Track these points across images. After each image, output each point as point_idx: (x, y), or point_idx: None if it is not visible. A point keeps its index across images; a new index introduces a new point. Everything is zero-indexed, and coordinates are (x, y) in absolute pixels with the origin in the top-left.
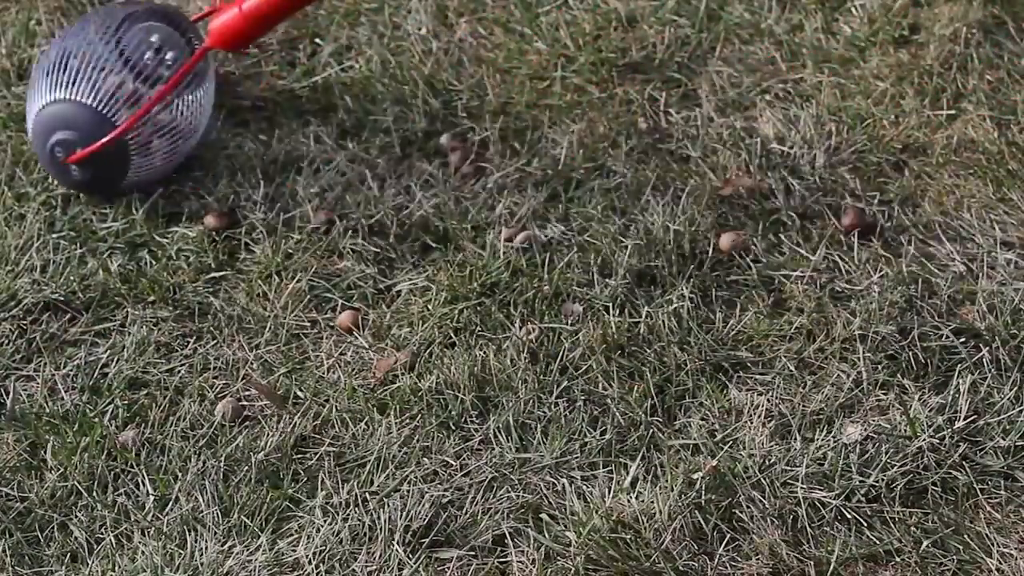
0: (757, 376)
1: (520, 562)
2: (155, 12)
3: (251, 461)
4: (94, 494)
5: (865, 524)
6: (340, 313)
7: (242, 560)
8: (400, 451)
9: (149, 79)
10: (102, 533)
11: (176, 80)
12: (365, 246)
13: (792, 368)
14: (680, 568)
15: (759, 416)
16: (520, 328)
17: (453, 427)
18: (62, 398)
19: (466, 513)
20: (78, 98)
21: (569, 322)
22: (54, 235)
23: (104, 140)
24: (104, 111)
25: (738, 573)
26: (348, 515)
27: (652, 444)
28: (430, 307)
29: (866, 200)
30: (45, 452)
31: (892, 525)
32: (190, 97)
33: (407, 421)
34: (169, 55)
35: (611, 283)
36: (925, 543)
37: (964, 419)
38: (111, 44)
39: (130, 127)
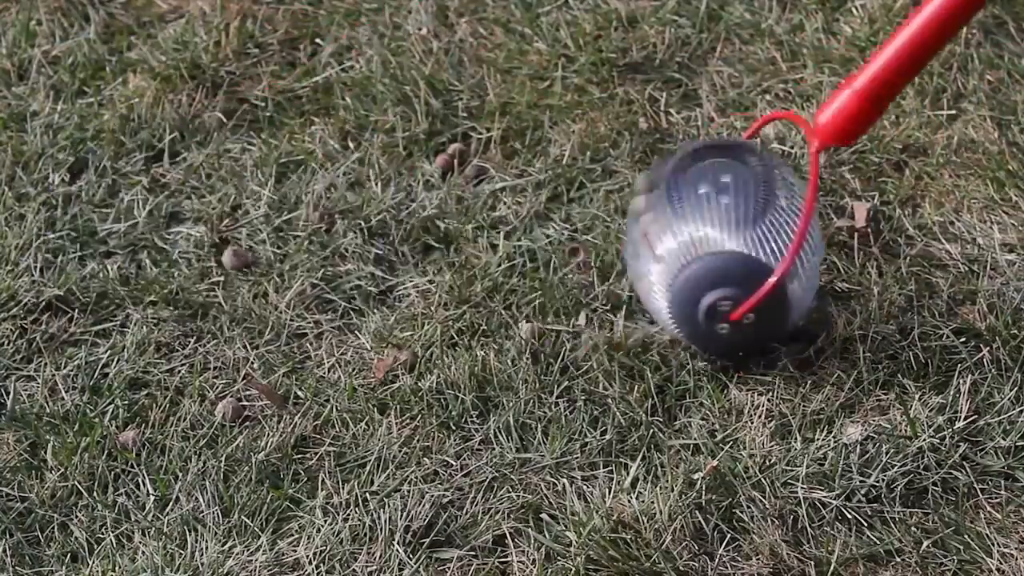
0: (757, 376)
1: (520, 562)
2: (716, 147)
3: (251, 461)
4: (94, 494)
5: (865, 524)
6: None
7: (242, 560)
8: (400, 451)
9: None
10: (102, 533)
11: (810, 204)
12: (366, 247)
13: (792, 368)
14: (680, 568)
15: (759, 416)
16: (522, 328)
17: (453, 427)
18: (62, 398)
19: (466, 513)
20: (727, 247)
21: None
22: (54, 235)
23: (769, 284)
24: (757, 256)
25: (738, 573)
26: (348, 515)
27: (652, 444)
28: (431, 308)
29: (866, 200)
30: (45, 452)
31: (892, 525)
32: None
33: (407, 421)
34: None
35: (611, 283)
36: (925, 543)
37: (964, 419)
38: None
39: (789, 266)
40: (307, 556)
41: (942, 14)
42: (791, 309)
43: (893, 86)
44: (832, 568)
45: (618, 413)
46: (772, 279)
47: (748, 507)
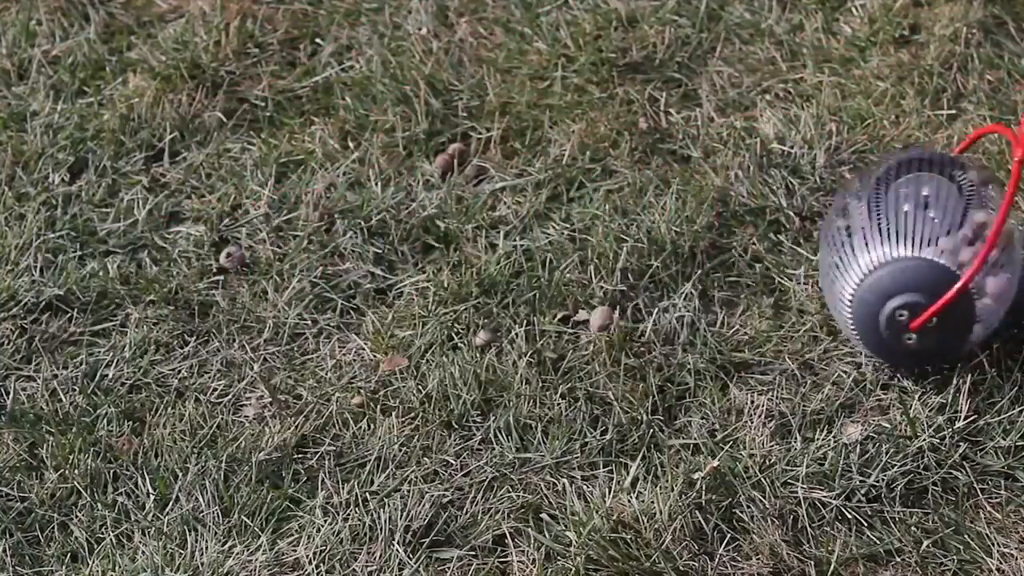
0: (758, 376)
1: (520, 562)
2: (917, 161)
3: (251, 461)
4: (94, 494)
5: (865, 524)
6: None
7: (242, 560)
8: (400, 451)
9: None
10: (102, 533)
11: (1005, 211)
12: (366, 246)
13: (793, 368)
14: (680, 568)
15: (759, 416)
16: (522, 327)
17: (454, 427)
18: (62, 398)
19: (466, 513)
20: (917, 254)
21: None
22: (54, 235)
23: (952, 292)
24: (944, 263)
25: (738, 573)
26: (348, 515)
27: (652, 444)
28: (430, 307)
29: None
30: (45, 452)
31: (892, 525)
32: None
33: (407, 421)
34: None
35: (612, 283)
36: (925, 543)
37: (964, 419)
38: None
39: (976, 272)
40: (307, 556)
41: None
42: (976, 322)
43: None
44: (832, 568)
45: (619, 412)
46: (957, 285)
47: (748, 507)
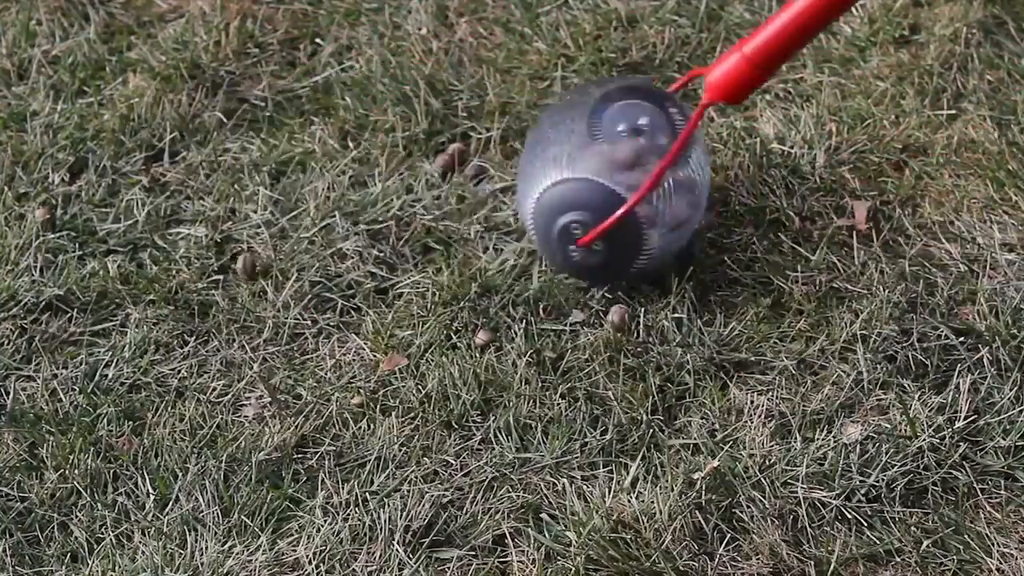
0: (757, 376)
1: (520, 562)
2: (633, 90)
3: (251, 461)
4: (94, 494)
5: (865, 524)
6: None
7: (242, 560)
8: (400, 451)
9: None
10: (102, 533)
11: (680, 145)
12: (366, 246)
13: (792, 368)
14: (680, 568)
15: (759, 416)
16: (521, 327)
17: (453, 427)
18: (62, 398)
19: (466, 513)
20: (587, 176)
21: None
22: (54, 235)
23: (618, 214)
24: (614, 187)
25: (738, 573)
26: (348, 515)
27: (652, 444)
28: (430, 307)
29: (866, 200)
30: (45, 452)
31: (892, 525)
32: (696, 164)
33: (407, 421)
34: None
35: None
36: (925, 543)
37: (964, 419)
38: (602, 122)
39: (641, 198)
40: (307, 556)
41: None
42: (645, 248)
43: (781, 55)
44: (832, 568)
45: (619, 412)
46: (620, 211)
47: (748, 507)
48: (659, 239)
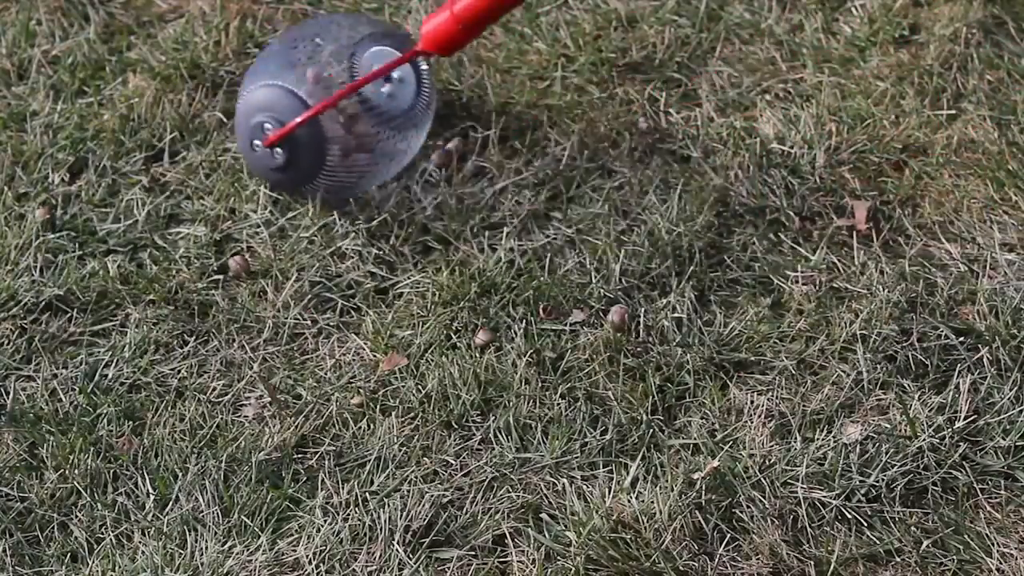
0: (757, 376)
1: (520, 562)
2: (387, 36)
3: (251, 461)
4: (94, 494)
5: (865, 524)
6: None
7: (242, 560)
8: (400, 451)
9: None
10: (102, 533)
11: (375, 74)
12: (366, 246)
13: (792, 368)
14: (680, 568)
15: (759, 416)
16: (521, 327)
17: (453, 427)
18: (62, 398)
19: (466, 513)
20: (286, 85)
21: (569, 324)
22: (54, 235)
23: (298, 120)
24: (307, 99)
25: (738, 573)
26: (348, 515)
27: (652, 444)
28: (430, 307)
29: (866, 200)
30: (45, 452)
31: (892, 525)
32: (402, 125)
33: (407, 421)
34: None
35: (611, 284)
36: (925, 543)
37: (964, 419)
38: (343, 59)
39: (320, 111)
40: (307, 556)
41: None
42: (327, 165)
43: (484, 17)
44: (832, 568)
45: (619, 412)
46: (296, 119)
47: (748, 507)
48: (340, 161)
